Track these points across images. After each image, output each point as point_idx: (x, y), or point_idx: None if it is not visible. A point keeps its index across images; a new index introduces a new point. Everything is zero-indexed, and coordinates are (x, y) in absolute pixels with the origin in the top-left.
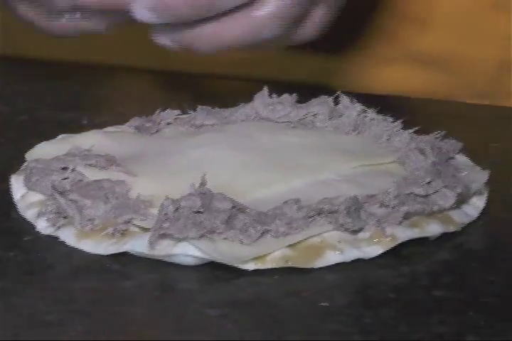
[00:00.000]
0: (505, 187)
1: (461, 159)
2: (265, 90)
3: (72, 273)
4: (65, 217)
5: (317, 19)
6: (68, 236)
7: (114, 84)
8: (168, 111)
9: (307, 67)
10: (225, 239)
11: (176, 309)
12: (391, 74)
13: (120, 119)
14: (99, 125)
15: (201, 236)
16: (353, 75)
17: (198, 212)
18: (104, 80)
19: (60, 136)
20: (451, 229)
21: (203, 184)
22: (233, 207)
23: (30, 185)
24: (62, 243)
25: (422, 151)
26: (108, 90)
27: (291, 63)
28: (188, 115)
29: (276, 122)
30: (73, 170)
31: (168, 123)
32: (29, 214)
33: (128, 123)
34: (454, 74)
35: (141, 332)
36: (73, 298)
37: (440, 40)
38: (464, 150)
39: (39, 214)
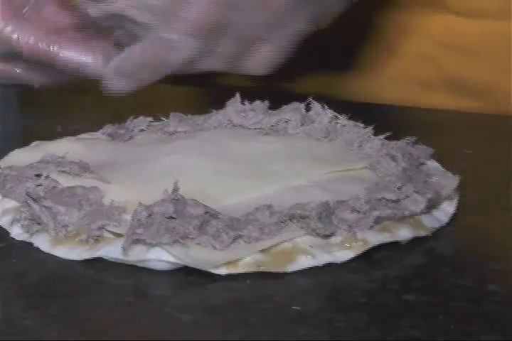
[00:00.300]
0: (475, 193)
1: (432, 165)
2: (237, 97)
3: (47, 279)
4: (39, 224)
5: (263, 56)
6: (42, 243)
7: (88, 92)
8: (140, 118)
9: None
10: (198, 244)
11: (149, 314)
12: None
13: (94, 127)
14: (73, 132)
15: (174, 242)
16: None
17: (171, 217)
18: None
19: (33, 143)
20: (422, 233)
21: (175, 190)
22: (206, 213)
23: (4, 192)
24: (37, 249)
25: (393, 157)
26: (82, 98)
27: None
28: (160, 122)
29: (249, 129)
30: (47, 177)
31: (141, 130)
32: (3, 221)
33: (101, 130)
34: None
35: (115, 338)
36: (48, 304)
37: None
38: (435, 156)
39: (13, 221)
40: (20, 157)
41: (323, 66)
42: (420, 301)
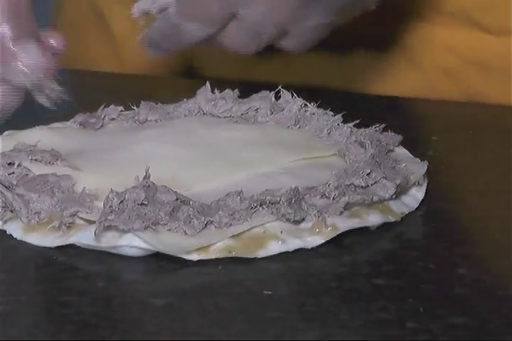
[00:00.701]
0: (442, 178)
1: (401, 151)
2: (208, 86)
3: (20, 266)
4: (11, 211)
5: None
6: (15, 230)
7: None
8: (111, 107)
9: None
10: (169, 230)
11: (121, 298)
12: None
13: (66, 116)
14: (45, 121)
15: (146, 228)
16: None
17: (142, 204)
18: None
19: (5, 133)
20: (391, 219)
21: (146, 177)
22: (177, 200)
23: None
24: (9, 236)
25: (361, 144)
26: None
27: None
28: (131, 111)
29: (219, 117)
30: (19, 165)
31: (112, 119)
32: None
33: (72, 119)
34: None
35: (87, 322)
36: (21, 290)
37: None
38: (403, 143)
39: None
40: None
41: (345, 75)
42: (390, 285)
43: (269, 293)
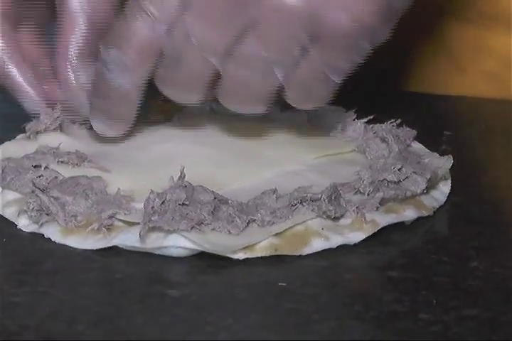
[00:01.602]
0: (455, 173)
1: (417, 146)
2: None
3: (34, 257)
4: (47, 214)
5: None
6: (53, 233)
7: None
8: None
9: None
10: (213, 230)
11: (138, 289)
12: None
13: None
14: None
15: (191, 228)
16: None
17: (184, 204)
18: None
19: (18, 136)
20: (424, 213)
21: (182, 177)
22: (215, 199)
23: (5, 184)
24: (46, 239)
25: (382, 139)
26: None
27: None
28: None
29: (231, 115)
30: (46, 167)
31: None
32: (8, 213)
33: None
34: None
35: (104, 312)
36: (38, 281)
37: None
38: (416, 138)
39: (20, 212)
40: (11, 150)
41: (390, 77)
42: (404, 277)
43: (284, 284)
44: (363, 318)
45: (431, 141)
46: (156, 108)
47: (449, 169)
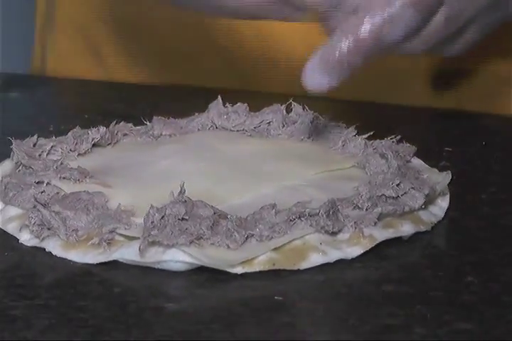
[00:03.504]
0: (454, 189)
1: (417, 162)
2: (219, 100)
3: (34, 272)
4: (48, 229)
5: (469, 38)
6: (54, 247)
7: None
8: (122, 123)
9: None
10: (212, 244)
11: (136, 303)
12: None
13: (84, 127)
14: (65, 131)
15: (190, 243)
16: None
17: (183, 219)
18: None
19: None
20: (422, 228)
21: (182, 192)
22: (214, 214)
23: (7, 200)
24: (47, 254)
25: (382, 155)
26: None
27: None
28: (143, 126)
29: (232, 131)
30: (48, 183)
31: (125, 135)
32: (10, 228)
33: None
34: None
35: (102, 325)
36: (38, 294)
37: None
38: (416, 154)
39: (22, 227)
40: (10, 167)
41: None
42: (399, 291)
43: (280, 298)
44: (357, 332)
45: (431, 156)
46: (157, 123)
47: (448, 185)
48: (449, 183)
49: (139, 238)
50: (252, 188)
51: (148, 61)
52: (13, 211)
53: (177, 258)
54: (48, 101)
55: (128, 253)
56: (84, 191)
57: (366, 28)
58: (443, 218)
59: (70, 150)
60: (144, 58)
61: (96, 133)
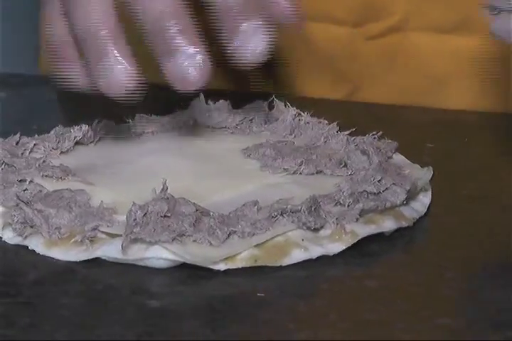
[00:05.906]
0: (435, 184)
1: (399, 158)
2: (202, 97)
3: (16, 269)
4: (31, 227)
5: None
6: (37, 245)
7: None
8: (104, 121)
9: None
10: (194, 241)
11: (118, 300)
12: None
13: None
14: (48, 130)
15: (173, 240)
16: None
17: (165, 216)
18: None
19: None
20: (404, 224)
21: (164, 189)
22: (196, 211)
23: None
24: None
25: (363, 152)
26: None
27: None
28: (125, 124)
29: (214, 128)
30: (31, 181)
31: (107, 133)
32: None
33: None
34: None
35: (84, 322)
36: (20, 292)
37: None
38: (399, 151)
39: (4, 225)
40: None
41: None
42: (380, 287)
43: (262, 295)
44: (337, 328)
45: (413, 152)
46: (139, 121)
47: (430, 180)
48: (431, 179)
49: (121, 235)
50: (234, 185)
51: None
52: None
53: (159, 255)
54: (35, 101)
55: (110, 250)
56: (67, 189)
57: None
58: (425, 214)
59: (53, 148)
60: None
61: (78, 131)
